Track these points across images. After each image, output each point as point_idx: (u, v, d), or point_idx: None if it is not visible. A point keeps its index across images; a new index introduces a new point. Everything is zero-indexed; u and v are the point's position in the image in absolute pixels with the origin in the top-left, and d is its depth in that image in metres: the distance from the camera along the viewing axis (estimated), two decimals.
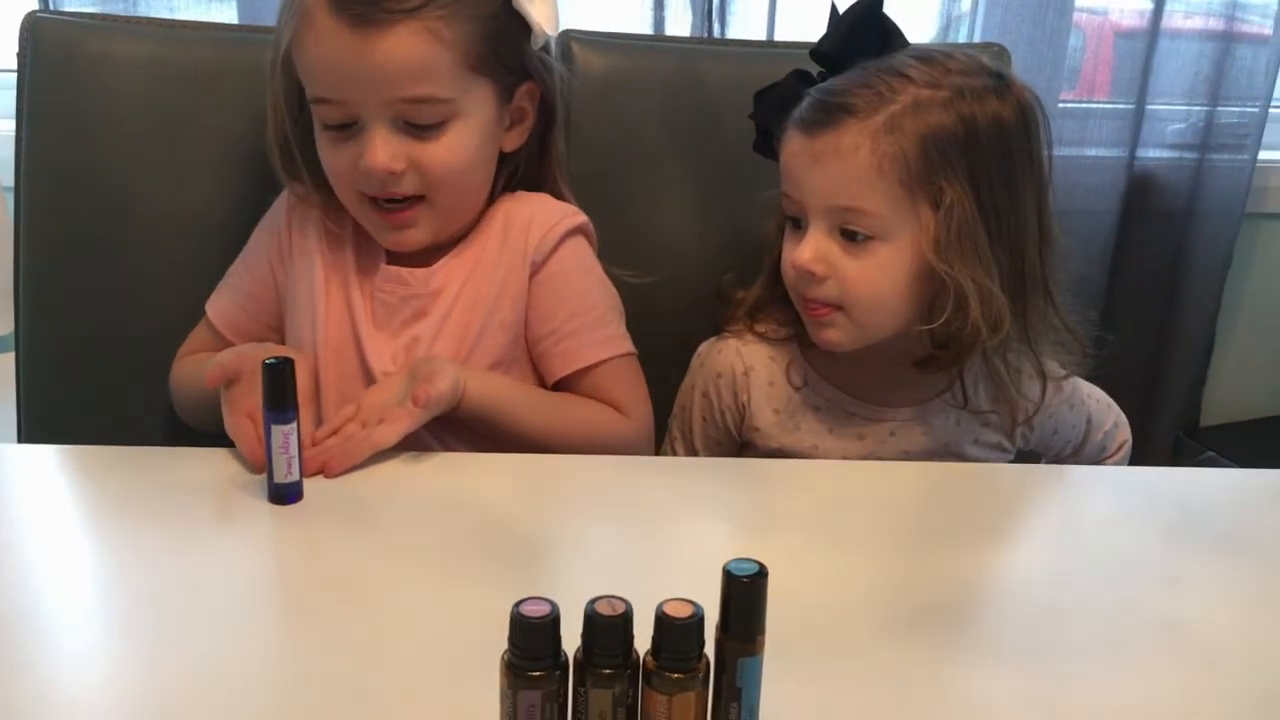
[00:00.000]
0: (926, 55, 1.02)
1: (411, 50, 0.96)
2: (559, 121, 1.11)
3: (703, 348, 1.13)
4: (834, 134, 0.98)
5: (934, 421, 1.09)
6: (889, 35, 1.05)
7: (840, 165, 0.98)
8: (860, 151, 0.97)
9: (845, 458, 1.08)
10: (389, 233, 1.03)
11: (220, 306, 1.11)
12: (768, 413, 1.09)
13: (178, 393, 1.11)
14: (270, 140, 1.05)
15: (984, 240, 0.99)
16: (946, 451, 1.09)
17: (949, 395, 1.08)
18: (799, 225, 1.03)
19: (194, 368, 1.07)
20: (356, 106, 0.98)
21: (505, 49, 1.02)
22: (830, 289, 1.01)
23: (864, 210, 0.99)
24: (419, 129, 0.99)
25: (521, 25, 1.02)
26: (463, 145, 1.01)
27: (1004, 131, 0.99)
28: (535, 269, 1.05)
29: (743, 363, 1.10)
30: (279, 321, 1.10)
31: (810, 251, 1.00)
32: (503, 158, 1.07)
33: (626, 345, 1.08)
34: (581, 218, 1.08)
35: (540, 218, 1.06)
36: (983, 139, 0.98)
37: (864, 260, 1.00)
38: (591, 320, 1.07)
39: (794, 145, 1.02)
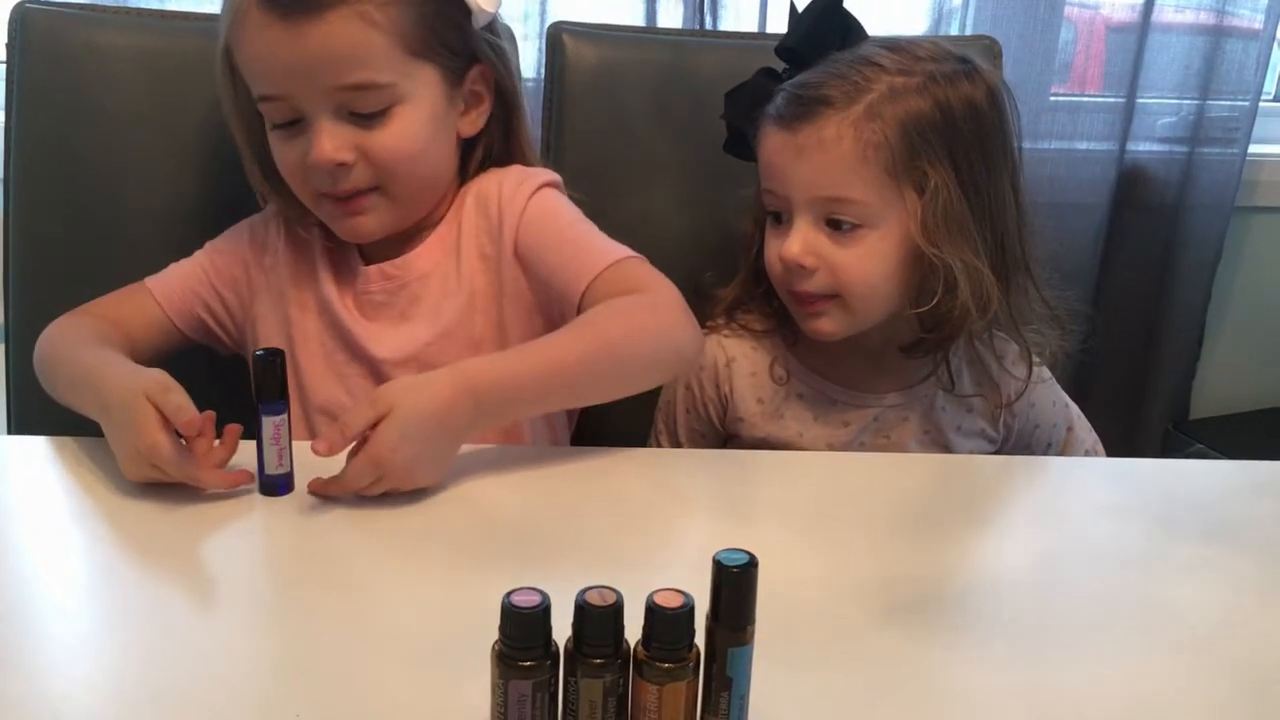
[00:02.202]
0: (894, 44, 1.03)
1: (344, 37, 0.95)
2: (519, 102, 1.09)
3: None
4: (814, 126, 0.99)
5: (918, 407, 1.09)
6: (849, 29, 1.06)
7: (824, 156, 0.99)
8: (844, 141, 0.98)
9: (830, 446, 1.08)
10: (343, 221, 1.02)
11: (167, 285, 1.08)
12: (751, 403, 1.09)
13: (53, 352, 1.00)
14: (242, 152, 1.04)
15: (969, 220, 1.00)
16: (930, 440, 1.10)
17: (934, 379, 1.09)
18: (780, 220, 1.04)
19: (87, 344, 0.98)
20: (298, 100, 0.97)
21: (447, 31, 1.00)
22: (821, 280, 1.02)
23: (851, 199, 0.99)
24: (363, 118, 0.98)
25: (461, 6, 1.00)
26: (411, 131, 0.99)
27: (978, 113, 1.01)
28: (514, 229, 1.04)
29: (724, 354, 1.10)
30: (221, 323, 1.09)
31: (799, 244, 1.01)
32: (468, 143, 1.06)
33: (629, 251, 1.02)
34: (549, 174, 1.07)
35: (509, 184, 1.05)
36: (959, 121, 1.00)
37: (853, 248, 1.01)
38: (587, 242, 1.03)
39: (774, 141, 1.02)
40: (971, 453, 1.12)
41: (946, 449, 1.11)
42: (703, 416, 1.11)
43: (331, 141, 0.97)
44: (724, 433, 1.12)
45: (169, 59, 1.18)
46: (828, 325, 1.04)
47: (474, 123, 1.06)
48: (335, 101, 0.97)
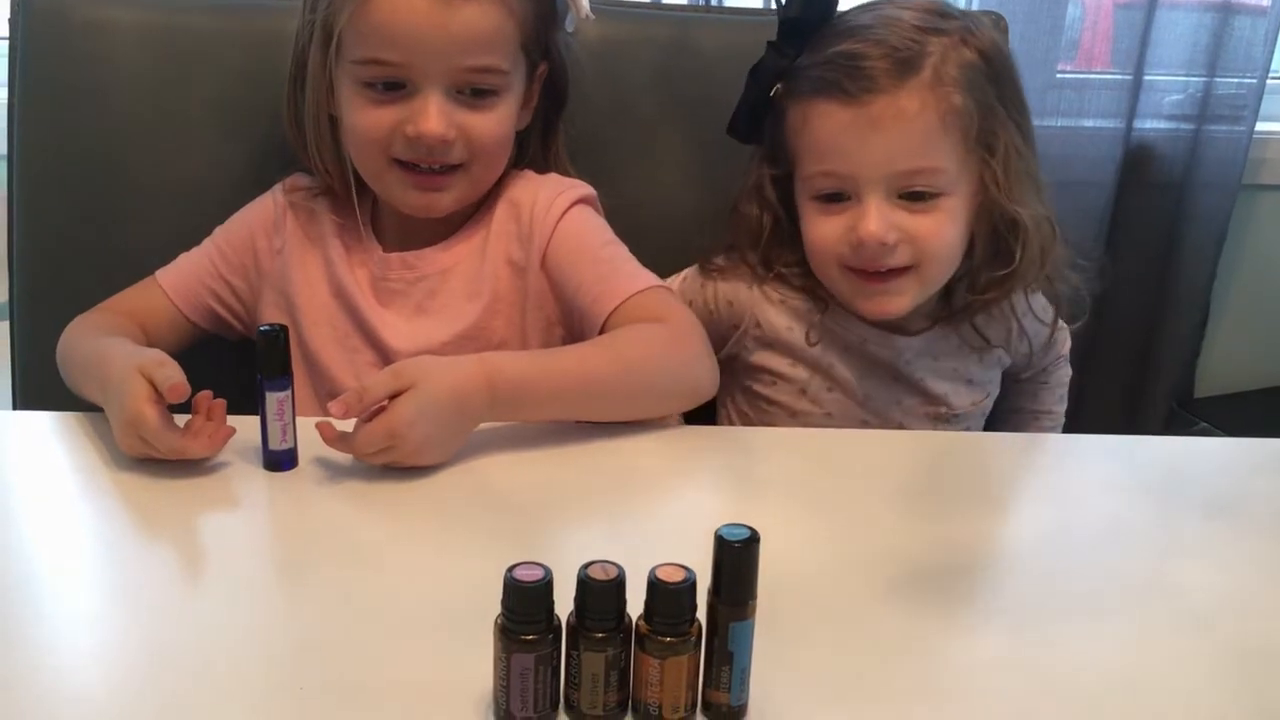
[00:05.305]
0: (903, 4, 1.02)
1: (490, 21, 0.98)
2: (565, 103, 1.12)
3: (699, 278, 1.11)
4: (889, 97, 0.97)
5: (941, 344, 1.09)
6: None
7: (906, 125, 0.97)
8: (926, 110, 0.97)
9: (863, 385, 1.07)
10: (417, 196, 1.03)
11: (177, 277, 1.08)
12: (781, 330, 1.07)
13: (69, 346, 1.01)
14: (309, 115, 1.04)
15: (1034, 166, 1.01)
16: (956, 375, 1.10)
17: (960, 337, 1.09)
18: (835, 200, 1.01)
19: (98, 335, 0.99)
20: (415, 71, 0.98)
21: (543, 29, 1.04)
22: (902, 253, 1.00)
23: (933, 168, 0.98)
24: (472, 99, 1.00)
25: (554, 8, 1.04)
26: (506, 118, 1.03)
27: (1005, 55, 1.02)
28: (545, 241, 1.05)
29: (762, 296, 1.07)
30: (233, 310, 1.10)
31: (877, 222, 0.98)
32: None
33: (657, 279, 1.04)
34: (585, 189, 1.09)
35: (545, 194, 1.07)
36: (999, 67, 1.01)
37: (932, 216, 1.00)
38: (617, 264, 1.04)
39: (838, 117, 0.99)
40: (991, 381, 1.13)
41: (970, 381, 1.11)
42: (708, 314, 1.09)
43: (441, 118, 0.98)
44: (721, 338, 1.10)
45: (174, 37, 1.17)
46: (900, 302, 1.02)
47: (525, 117, 1.08)
48: (454, 79, 0.98)
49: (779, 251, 1.08)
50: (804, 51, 1.03)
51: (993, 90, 1.00)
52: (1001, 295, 1.05)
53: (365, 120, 1.00)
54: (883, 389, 1.08)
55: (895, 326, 1.08)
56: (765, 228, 1.07)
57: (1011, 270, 1.02)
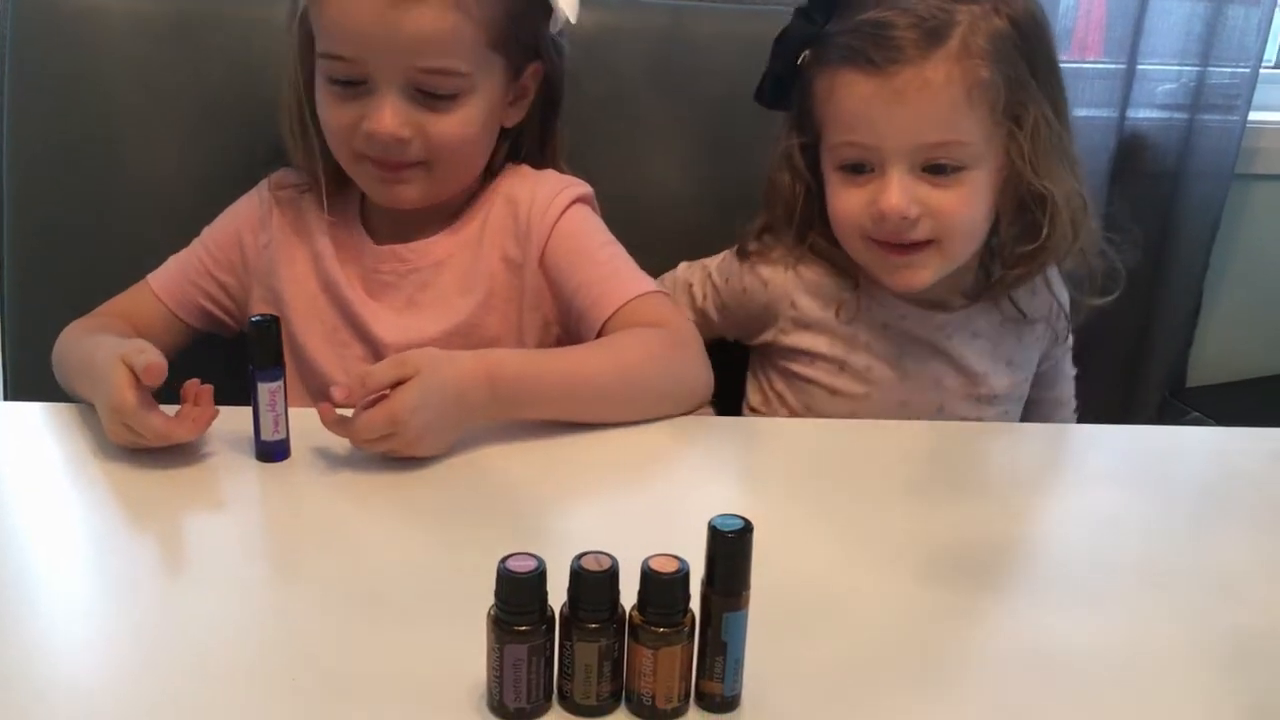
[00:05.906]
0: None
1: (441, 23, 0.96)
2: (561, 99, 1.11)
3: (735, 259, 1.10)
4: (915, 68, 0.96)
5: (981, 321, 1.09)
6: None
7: (931, 98, 0.96)
8: (952, 82, 0.96)
9: (901, 362, 1.07)
10: (383, 187, 1.02)
11: (167, 279, 1.09)
12: (817, 311, 1.07)
13: (64, 351, 1.00)
14: (287, 105, 1.04)
15: (1066, 139, 0.99)
16: (996, 355, 1.09)
17: (999, 310, 1.09)
18: (862, 170, 1.01)
19: (89, 336, 0.99)
20: (372, 69, 0.97)
21: (524, 29, 1.02)
22: (924, 227, 0.99)
23: (958, 142, 0.97)
24: (431, 99, 0.98)
25: (542, 6, 1.02)
26: (471, 120, 1.01)
27: (1039, 25, 1.00)
28: (544, 240, 1.05)
29: (796, 279, 1.07)
30: (225, 308, 1.09)
31: (899, 195, 0.98)
32: (503, 132, 1.07)
33: (655, 284, 1.05)
34: (583, 188, 1.08)
35: (543, 192, 1.06)
36: (1031, 37, 0.99)
37: (955, 190, 0.99)
38: (616, 266, 1.05)
39: (863, 88, 0.98)
40: (1029, 363, 1.13)
41: (1010, 362, 1.10)
42: (731, 308, 1.09)
43: (395, 117, 0.97)
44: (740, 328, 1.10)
45: (164, 24, 1.17)
46: (924, 276, 1.01)
47: (517, 114, 1.07)
48: (409, 79, 0.97)
49: (811, 221, 1.07)
50: (832, 18, 1.01)
51: (1024, 61, 0.98)
52: (1032, 270, 1.05)
53: (332, 115, 1.00)
54: (922, 366, 1.08)
55: (934, 303, 1.07)
56: (799, 196, 1.06)
57: (1039, 245, 1.01)
